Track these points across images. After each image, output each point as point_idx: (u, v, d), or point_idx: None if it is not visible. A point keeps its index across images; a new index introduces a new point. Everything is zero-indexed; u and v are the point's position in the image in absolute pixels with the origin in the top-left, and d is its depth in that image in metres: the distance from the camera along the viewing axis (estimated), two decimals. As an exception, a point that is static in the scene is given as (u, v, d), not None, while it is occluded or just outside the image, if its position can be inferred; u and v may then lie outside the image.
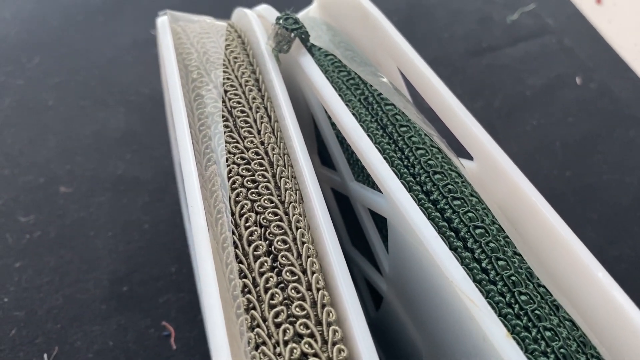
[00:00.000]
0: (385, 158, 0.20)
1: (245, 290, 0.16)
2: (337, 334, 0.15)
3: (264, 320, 0.15)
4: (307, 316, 0.15)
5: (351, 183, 0.23)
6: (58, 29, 0.42)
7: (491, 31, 0.41)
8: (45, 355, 0.27)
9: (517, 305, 0.17)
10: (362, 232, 0.25)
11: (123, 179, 0.34)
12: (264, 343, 0.15)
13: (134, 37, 0.41)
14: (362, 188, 0.22)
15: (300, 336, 0.15)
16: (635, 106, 0.36)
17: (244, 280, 0.16)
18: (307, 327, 0.15)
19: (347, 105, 0.22)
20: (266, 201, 0.18)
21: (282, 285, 0.16)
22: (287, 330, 0.15)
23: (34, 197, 0.33)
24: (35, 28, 0.42)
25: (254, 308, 0.16)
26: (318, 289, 0.16)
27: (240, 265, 0.17)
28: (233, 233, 0.17)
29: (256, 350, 0.15)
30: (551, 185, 0.33)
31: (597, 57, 0.39)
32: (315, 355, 0.15)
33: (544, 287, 0.17)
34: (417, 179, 0.20)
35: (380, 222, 0.22)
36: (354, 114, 0.21)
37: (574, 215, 0.32)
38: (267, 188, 0.18)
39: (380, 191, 0.20)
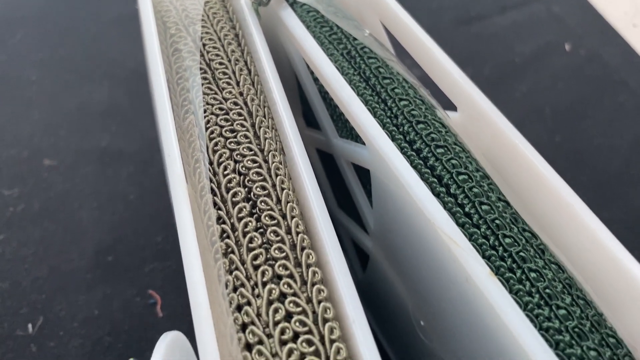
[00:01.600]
0: (368, 109, 0.20)
1: (224, 235, 0.16)
2: (316, 275, 0.15)
3: (243, 263, 0.15)
4: (286, 258, 0.15)
5: (335, 140, 0.22)
6: (42, 5, 0.41)
7: (479, 0, 0.40)
8: (29, 325, 0.27)
9: (501, 248, 0.16)
10: (348, 194, 0.24)
11: (108, 151, 0.33)
12: (242, 285, 0.15)
13: (119, 12, 0.41)
14: (345, 143, 0.22)
15: (279, 277, 0.15)
16: (624, 72, 0.36)
17: (222, 226, 0.16)
18: (286, 268, 0.15)
19: (329, 58, 0.21)
20: (245, 149, 0.17)
21: (261, 229, 0.16)
22: (266, 272, 0.15)
23: (17, 170, 0.33)
24: (18, 3, 0.41)
25: (232, 252, 0.15)
26: (297, 233, 0.16)
27: (219, 211, 0.16)
28: (211, 181, 0.17)
29: (234, 292, 0.15)
30: (541, 151, 0.32)
31: (586, 25, 0.39)
32: (294, 294, 0.15)
33: (530, 231, 0.17)
34: (400, 129, 0.19)
35: (364, 178, 0.22)
36: (336, 68, 0.21)
37: (565, 179, 0.31)
38: (246, 137, 0.18)
39: (363, 143, 0.20)
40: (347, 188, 0.24)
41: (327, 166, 0.26)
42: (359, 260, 0.26)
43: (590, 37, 0.38)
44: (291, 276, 0.15)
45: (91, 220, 0.31)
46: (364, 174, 0.22)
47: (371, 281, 0.25)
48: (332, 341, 0.14)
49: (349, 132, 0.22)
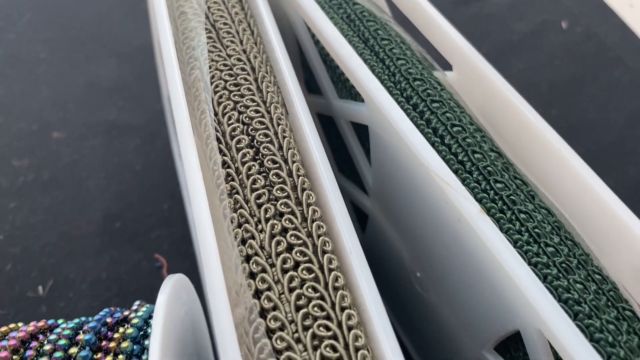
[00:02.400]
0: (367, 67, 0.20)
1: (229, 178, 0.17)
2: (316, 213, 0.16)
3: (247, 202, 0.16)
4: (287, 197, 0.16)
5: (335, 101, 0.23)
6: (49, -13, 0.42)
7: (478, -19, 0.41)
8: (40, 287, 0.28)
9: (492, 192, 0.17)
10: (348, 159, 0.25)
11: (115, 125, 0.34)
12: (246, 221, 0.16)
13: (125, -7, 0.42)
14: (345, 103, 0.22)
15: (281, 214, 0.16)
16: (620, 49, 0.37)
17: (227, 170, 0.17)
18: (287, 205, 0.16)
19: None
20: (248, 101, 0.18)
21: (264, 172, 0.17)
22: (269, 210, 0.16)
23: (27, 142, 0.33)
24: (27, -14, 0.42)
25: (237, 192, 0.16)
26: (298, 176, 0.17)
27: (224, 157, 0.17)
28: (216, 130, 0.18)
29: (239, 228, 0.15)
30: (537, 123, 0.33)
31: (583, 3, 0.40)
32: (295, 229, 0.15)
33: (521, 179, 0.18)
34: (398, 86, 0.20)
35: (363, 137, 0.23)
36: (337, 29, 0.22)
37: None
38: (249, 90, 0.19)
39: (362, 101, 0.20)
40: (347, 152, 0.25)
41: (328, 132, 0.27)
42: (358, 222, 0.27)
43: (587, 16, 0.39)
44: (292, 213, 0.16)
45: (99, 189, 0.31)
46: (362, 133, 0.22)
47: (370, 241, 0.26)
48: (330, 270, 0.15)
49: (348, 91, 0.22)
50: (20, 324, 0.17)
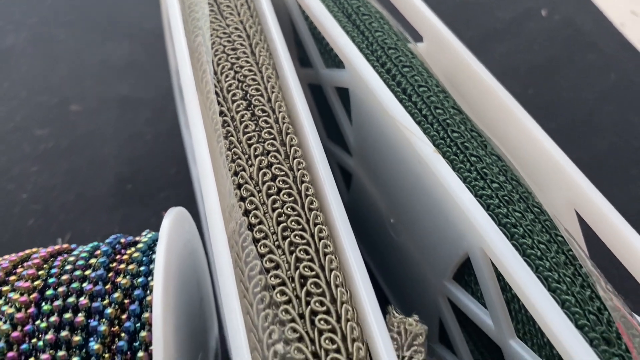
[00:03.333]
0: (348, 38, 0.23)
1: (225, 124, 0.20)
2: (297, 152, 0.19)
3: (239, 142, 0.19)
4: (274, 139, 0.19)
5: (322, 70, 0.26)
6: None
7: (466, -28, 0.44)
8: (59, 239, 0.31)
9: (448, 139, 0.20)
10: (335, 125, 0.28)
11: (128, 99, 0.37)
12: (239, 158, 0.18)
13: (138, -19, 0.45)
14: (330, 71, 0.25)
15: (268, 152, 0.18)
16: (595, 35, 0.40)
17: (224, 118, 0.20)
18: (273, 145, 0.19)
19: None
20: (243, 62, 0.21)
21: (254, 120, 0.19)
22: (257, 148, 0.19)
23: (47, 114, 0.36)
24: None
25: (231, 135, 0.19)
26: (284, 122, 0.19)
27: (221, 107, 0.20)
28: (215, 86, 0.21)
29: (232, 163, 0.18)
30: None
31: (563, -6, 0.42)
32: (279, 163, 0.18)
33: (476, 131, 0.21)
34: (374, 54, 0.23)
35: (345, 100, 0.26)
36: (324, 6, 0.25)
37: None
38: (244, 53, 0.22)
39: (343, 67, 0.23)
40: (335, 120, 0.28)
41: (318, 103, 0.30)
42: (344, 183, 0.30)
43: (566, 5, 0.41)
44: (277, 151, 0.19)
45: (112, 156, 0.34)
46: (345, 97, 0.25)
47: (354, 200, 0.28)
48: (307, 195, 0.17)
49: (332, 60, 0.25)
50: (40, 249, 0.20)
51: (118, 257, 0.18)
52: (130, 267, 0.17)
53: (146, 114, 0.36)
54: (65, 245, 0.20)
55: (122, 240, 0.19)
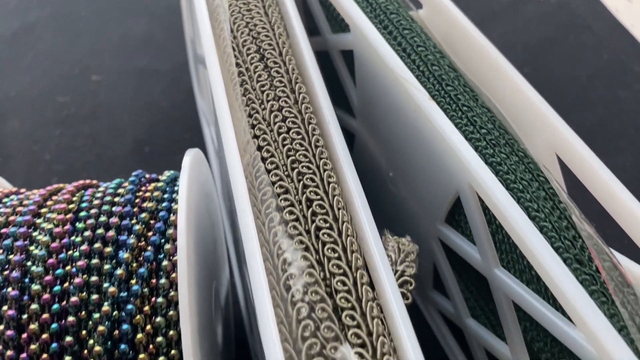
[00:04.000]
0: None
1: (240, 74, 0.21)
2: (305, 98, 0.21)
3: (253, 89, 0.21)
4: (284, 86, 0.21)
5: (329, 36, 0.28)
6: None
7: (468, -42, 0.46)
8: (81, 196, 0.33)
9: (442, 92, 0.22)
10: (340, 89, 0.30)
11: (145, 71, 0.39)
12: (252, 102, 0.20)
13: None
14: (336, 36, 0.27)
15: (279, 97, 0.20)
16: (589, 18, 0.41)
17: (239, 69, 0.22)
18: (284, 92, 0.20)
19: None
20: (257, 21, 0.23)
21: (267, 70, 0.21)
22: (269, 94, 0.20)
23: (70, 83, 0.38)
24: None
25: (246, 83, 0.21)
26: (293, 72, 0.21)
27: (237, 60, 0.22)
28: (231, 42, 0.23)
29: (247, 106, 0.20)
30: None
31: (560, -21, 0.44)
32: (289, 107, 0.20)
33: (470, 87, 0.22)
34: (377, 18, 0.25)
35: (350, 63, 0.27)
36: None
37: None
38: (258, 13, 0.23)
39: (349, 31, 0.25)
40: (340, 85, 0.29)
41: (325, 72, 0.32)
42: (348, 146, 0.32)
43: (562, -11, 0.43)
44: (287, 97, 0.20)
45: (131, 122, 0.36)
46: (349, 61, 0.27)
47: (356, 160, 0.30)
48: (313, 134, 0.19)
49: (339, 25, 0.27)
50: (66, 185, 0.22)
51: (143, 188, 0.20)
52: (155, 194, 0.19)
53: (162, 85, 0.38)
54: (90, 181, 0.22)
55: (146, 175, 0.21)
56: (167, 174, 0.21)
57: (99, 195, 0.19)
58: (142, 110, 0.37)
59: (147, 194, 0.19)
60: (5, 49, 0.41)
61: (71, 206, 0.19)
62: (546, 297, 0.18)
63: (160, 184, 0.19)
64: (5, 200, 0.20)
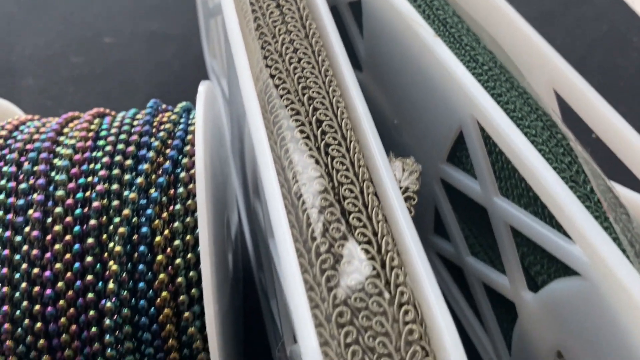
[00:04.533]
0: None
1: (254, 12, 0.22)
2: (315, 34, 0.21)
3: (266, 24, 0.21)
4: (295, 21, 0.21)
5: (338, -10, 0.29)
6: None
7: None
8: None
9: (447, 33, 0.22)
10: (348, 45, 0.30)
11: (157, 34, 0.40)
12: (265, 35, 0.21)
13: None
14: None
15: (290, 32, 0.21)
16: (590, -9, 0.42)
17: (252, 7, 0.22)
18: (295, 27, 0.21)
19: None
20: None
21: (279, 9, 0.22)
22: (281, 29, 0.21)
23: (83, 44, 0.39)
24: None
25: (259, 20, 0.22)
26: (304, 10, 0.22)
27: (255, 14, 0.23)
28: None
29: (259, 39, 0.21)
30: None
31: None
32: (300, 40, 0.21)
33: (473, 31, 0.23)
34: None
35: (358, 16, 0.28)
36: None
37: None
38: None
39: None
40: (348, 39, 0.30)
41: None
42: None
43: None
44: (298, 31, 0.21)
45: (143, 81, 0.37)
46: (357, 13, 0.28)
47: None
48: (322, 64, 0.20)
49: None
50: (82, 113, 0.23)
51: (160, 114, 0.21)
52: (173, 117, 0.20)
53: (173, 48, 0.39)
54: (104, 109, 0.22)
55: (162, 105, 0.21)
56: (180, 105, 0.22)
57: (118, 119, 0.20)
58: (153, 72, 0.38)
59: (164, 119, 0.20)
60: (21, 11, 0.42)
61: (92, 126, 0.20)
62: (543, 216, 0.19)
63: (177, 110, 0.20)
64: (28, 123, 0.21)
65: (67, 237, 0.17)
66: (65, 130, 0.20)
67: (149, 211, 0.17)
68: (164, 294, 0.17)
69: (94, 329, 0.17)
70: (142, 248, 0.17)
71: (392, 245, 0.16)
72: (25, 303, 0.17)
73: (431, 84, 0.22)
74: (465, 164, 0.23)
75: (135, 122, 0.20)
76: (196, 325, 0.17)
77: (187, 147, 0.19)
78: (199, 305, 0.17)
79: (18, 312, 0.17)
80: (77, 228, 0.17)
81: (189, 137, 0.19)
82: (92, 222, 0.17)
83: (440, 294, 0.15)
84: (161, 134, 0.19)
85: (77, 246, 0.17)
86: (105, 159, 0.18)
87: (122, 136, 0.19)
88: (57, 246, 0.17)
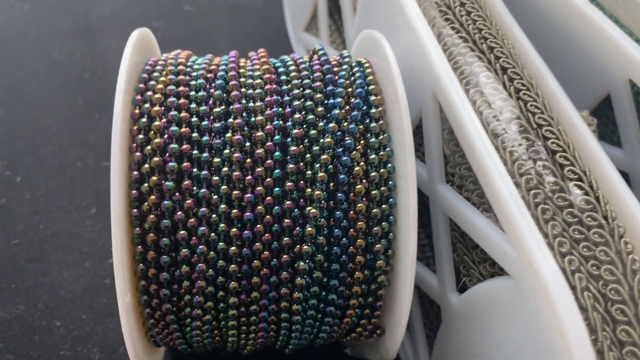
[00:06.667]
0: None
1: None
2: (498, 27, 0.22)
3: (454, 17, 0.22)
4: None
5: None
6: None
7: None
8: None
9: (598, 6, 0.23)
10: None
11: (236, 6, 0.40)
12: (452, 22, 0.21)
13: None
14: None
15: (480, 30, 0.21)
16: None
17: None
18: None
19: None
20: None
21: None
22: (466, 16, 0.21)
23: (163, 10, 0.39)
24: None
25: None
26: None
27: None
28: None
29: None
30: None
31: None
32: (481, 17, 0.21)
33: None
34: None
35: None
36: None
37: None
38: None
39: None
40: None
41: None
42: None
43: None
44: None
45: (225, 49, 0.37)
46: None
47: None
48: (491, 20, 0.20)
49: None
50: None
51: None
52: (345, 65, 0.20)
53: (254, 20, 0.39)
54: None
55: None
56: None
57: (287, 59, 0.20)
58: (236, 43, 0.38)
59: (334, 62, 0.20)
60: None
61: (266, 67, 0.19)
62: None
63: (347, 59, 0.20)
64: (194, 58, 0.20)
65: (269, 161, 0.16)
66: (242, 63, 0.19)
67: (347, 140, 0.17)
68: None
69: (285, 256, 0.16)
70: (341, 177, 0.17)
71: (597, 182, 0.16)
72: (222, 225, 0.16)
73: (577, 46, 0.22)
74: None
75: (310, 63, 0.20)
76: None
77: (372, 87, 0.18)
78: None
79: (213, 234, 0.16)
80: (277, 153, 0.17)
81: (369, 77, 0.19)
82: (293, 148, 0.17)
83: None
84: (343, 72, 0.19)
85: (277, 171, 0.16)
86: (297, 102, 0.18)
87: (305, 72, 0.19)
88: (258, 169, 0.16)
